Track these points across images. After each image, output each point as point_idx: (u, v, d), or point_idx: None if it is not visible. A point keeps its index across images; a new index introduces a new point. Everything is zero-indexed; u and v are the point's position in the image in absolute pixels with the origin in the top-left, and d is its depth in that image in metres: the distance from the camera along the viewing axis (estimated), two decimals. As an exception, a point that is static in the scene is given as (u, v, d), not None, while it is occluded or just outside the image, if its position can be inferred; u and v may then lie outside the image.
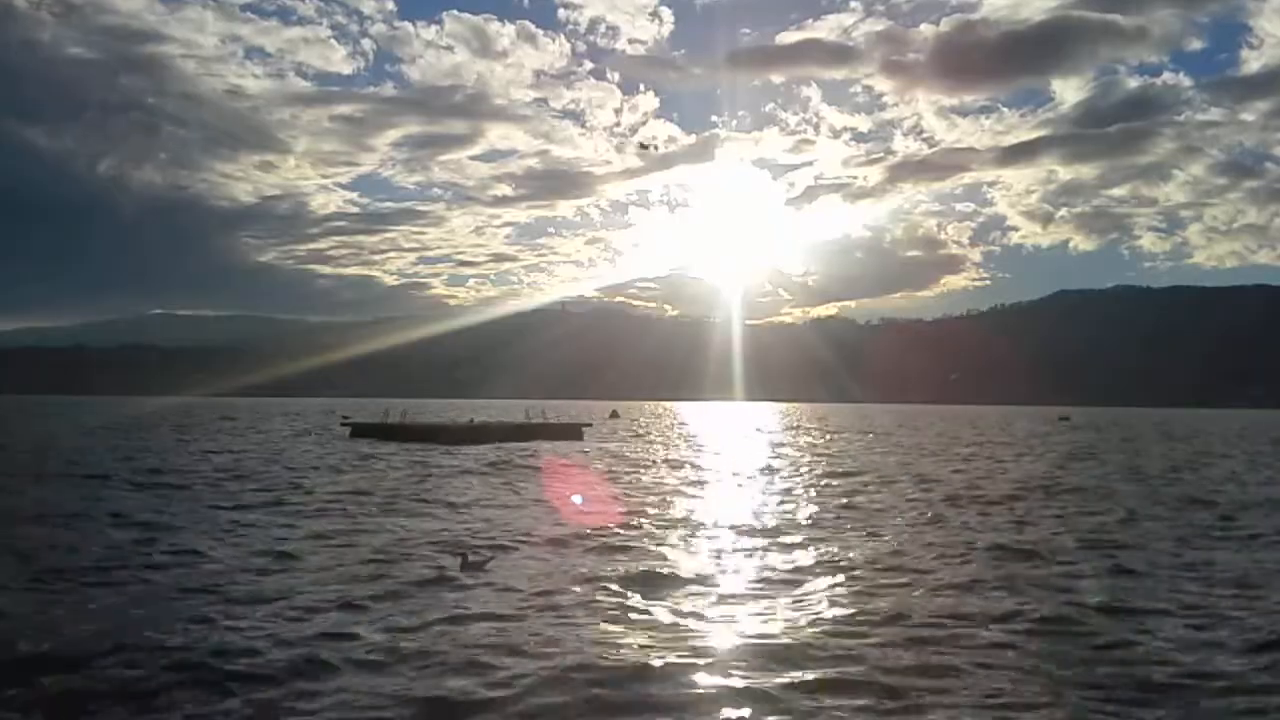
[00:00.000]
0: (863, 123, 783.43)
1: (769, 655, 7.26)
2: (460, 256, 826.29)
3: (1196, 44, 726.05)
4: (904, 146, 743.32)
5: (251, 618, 8.23)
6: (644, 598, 9.24)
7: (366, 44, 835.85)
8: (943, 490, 20.38)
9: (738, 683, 6.59)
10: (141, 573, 10.22)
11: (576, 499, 18.37)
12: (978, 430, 64.14)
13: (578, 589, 9.62)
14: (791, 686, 6.56)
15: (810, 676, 6.74)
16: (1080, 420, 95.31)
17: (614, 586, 9.75)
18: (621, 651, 7.27)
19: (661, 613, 8.59)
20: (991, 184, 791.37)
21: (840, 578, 10.45)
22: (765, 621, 8.35)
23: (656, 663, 6.95)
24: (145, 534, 12.93)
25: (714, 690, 6.47)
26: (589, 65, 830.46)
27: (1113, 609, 9.00)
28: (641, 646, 7.45)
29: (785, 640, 7.70)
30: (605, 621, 8.24)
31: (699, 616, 8.50)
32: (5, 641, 7.27)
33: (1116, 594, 9.66)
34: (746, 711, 6.13)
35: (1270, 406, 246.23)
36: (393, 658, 7.13)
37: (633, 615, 8.50)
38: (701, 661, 7.05)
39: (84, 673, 6.65)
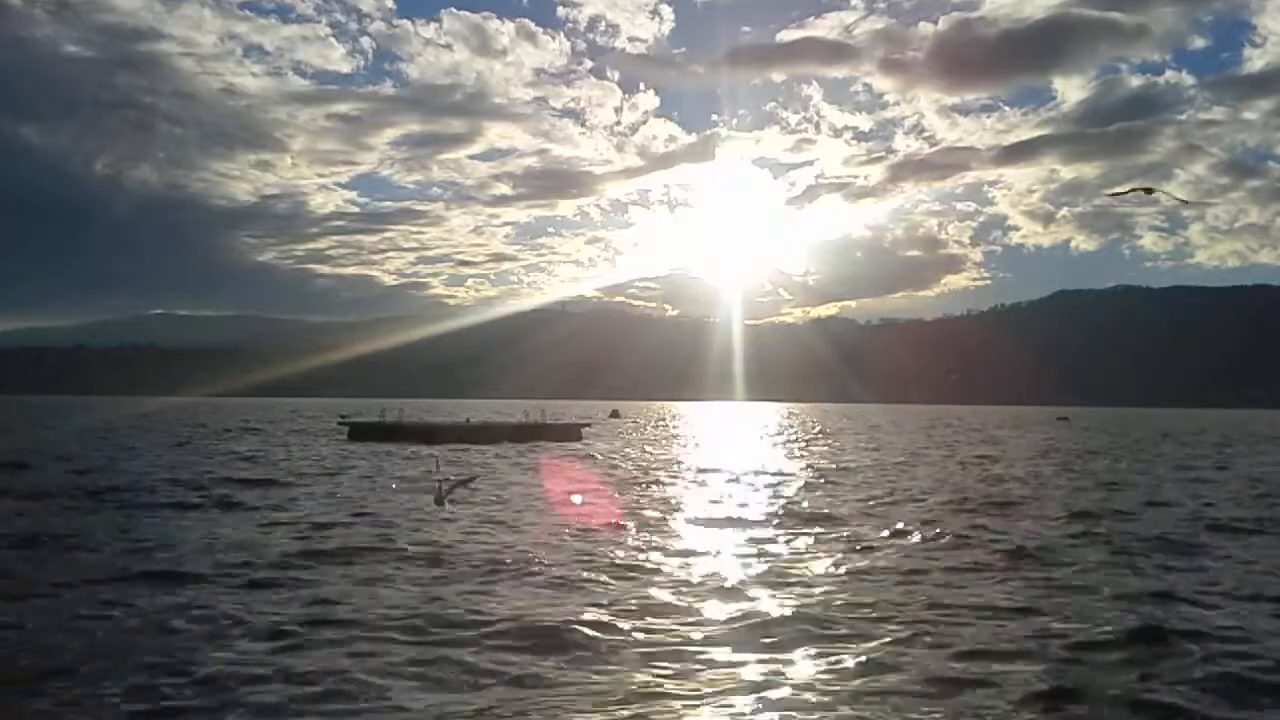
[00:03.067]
0: (863, 121, 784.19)
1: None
2: (459, 256, 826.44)
3: (1199, 42, 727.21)
4: (905, 145, 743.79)
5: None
6: (654, 602, 9.15)
7: (365, 42, 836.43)
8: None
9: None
10: None
11: (576, 499, 18.25)
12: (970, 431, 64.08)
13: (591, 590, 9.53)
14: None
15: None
16: (1078, 420, 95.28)
17: (627, 591, 9.64)
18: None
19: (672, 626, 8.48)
20: (993, 183, 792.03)
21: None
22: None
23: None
24: None
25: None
26: (589, 64, 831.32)
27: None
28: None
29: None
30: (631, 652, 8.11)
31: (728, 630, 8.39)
32: None
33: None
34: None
35: (1270, 406, 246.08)
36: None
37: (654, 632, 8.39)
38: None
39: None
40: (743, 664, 7.04)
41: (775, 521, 15.15)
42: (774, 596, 9.37)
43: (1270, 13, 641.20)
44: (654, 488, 20.84)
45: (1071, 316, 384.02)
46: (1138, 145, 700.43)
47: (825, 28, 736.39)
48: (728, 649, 7.41)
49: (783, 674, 6.83)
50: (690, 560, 11.49)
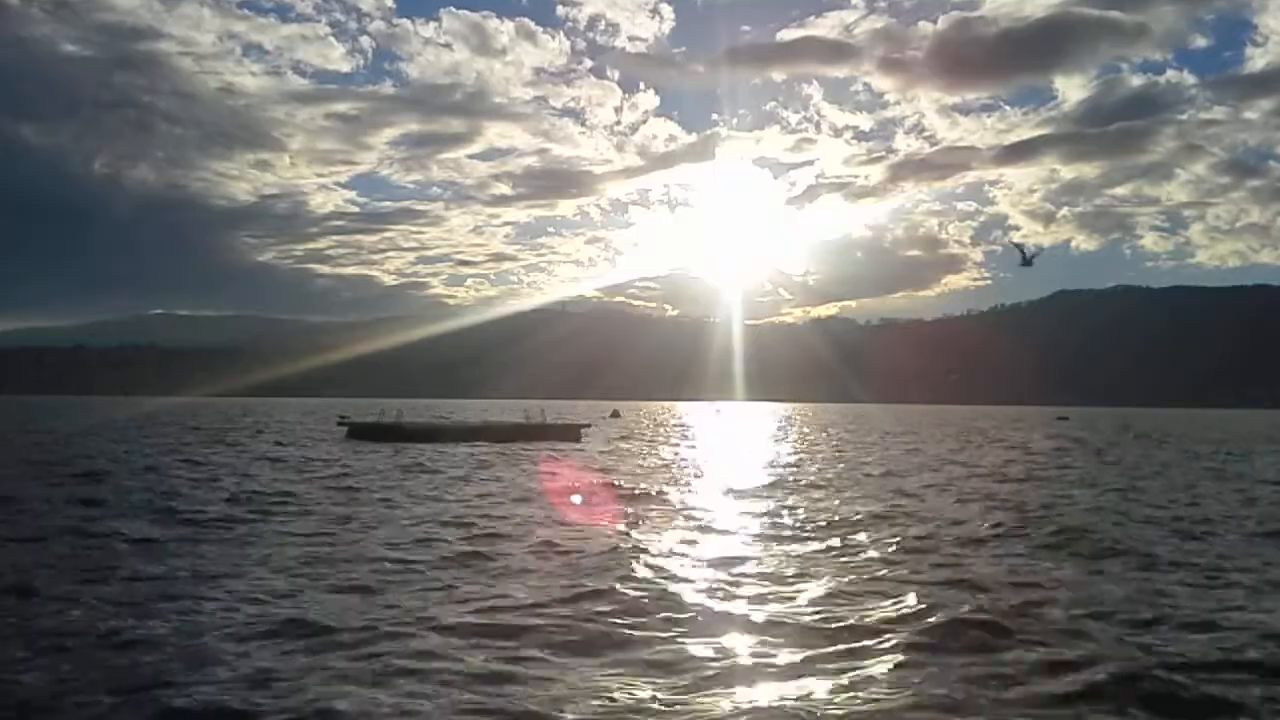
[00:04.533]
0: (864, 121, 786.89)
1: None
2: (459, 256, 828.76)
3: (1200, 41, 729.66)
4: (905, 145, 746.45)
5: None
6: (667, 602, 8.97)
7: (365, 41, 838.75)
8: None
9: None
10: None
11: (576, 499, 18.09)
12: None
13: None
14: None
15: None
16: (1077, 420, 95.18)
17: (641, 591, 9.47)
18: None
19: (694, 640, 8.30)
20: (993, 183, 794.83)
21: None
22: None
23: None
24: None
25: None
26: (589, 63, 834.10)
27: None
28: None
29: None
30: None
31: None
32: None
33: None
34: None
35: (1270, 406, 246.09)
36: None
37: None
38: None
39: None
40: (741, 659, 6.88)
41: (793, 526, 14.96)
42: (778, 600, 9.18)
43: (1271, 12, 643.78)
44: (654, 488, 20.65)
45: (1071, 316, 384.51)
46: (1138, 145, 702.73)
47: (825, 27, 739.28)
48: (729, 646, 7.25)
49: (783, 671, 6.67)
50: (691, 560, 11.32)
